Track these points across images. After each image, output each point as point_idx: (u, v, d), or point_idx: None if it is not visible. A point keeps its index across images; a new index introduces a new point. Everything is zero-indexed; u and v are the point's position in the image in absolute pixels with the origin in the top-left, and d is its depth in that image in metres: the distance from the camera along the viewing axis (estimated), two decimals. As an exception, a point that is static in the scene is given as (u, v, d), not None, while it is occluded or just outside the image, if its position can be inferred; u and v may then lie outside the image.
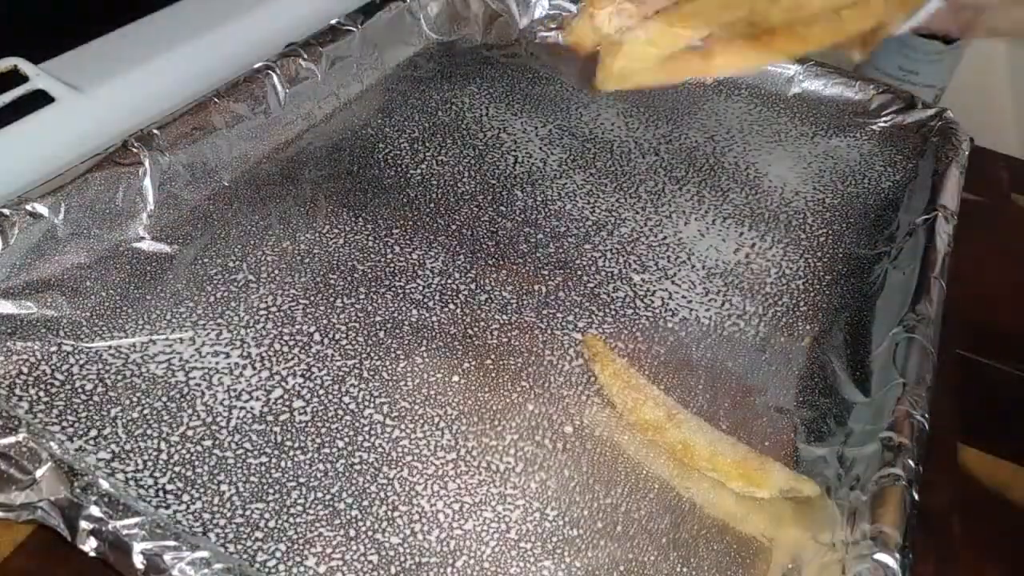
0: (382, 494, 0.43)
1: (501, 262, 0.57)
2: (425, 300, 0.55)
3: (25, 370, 0.47)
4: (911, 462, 0.42)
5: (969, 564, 0.47)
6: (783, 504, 0.45)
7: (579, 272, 0.58)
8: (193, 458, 0.44)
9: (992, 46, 0.95)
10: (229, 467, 0.44)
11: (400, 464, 0.45)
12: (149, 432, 0.45)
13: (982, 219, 0.70)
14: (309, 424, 0.46)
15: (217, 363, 0.49)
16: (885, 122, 0.74)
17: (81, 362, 0.47)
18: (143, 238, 0.56)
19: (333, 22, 0.71)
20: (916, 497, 0.41)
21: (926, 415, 0.45)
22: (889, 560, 0.38)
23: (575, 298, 0.56)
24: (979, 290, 0.64)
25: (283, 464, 0.44)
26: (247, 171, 0.62)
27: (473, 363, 0.51)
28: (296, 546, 0.41)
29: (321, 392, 0.48)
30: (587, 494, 0.45)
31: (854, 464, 0.45)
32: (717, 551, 0.43)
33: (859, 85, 0.76)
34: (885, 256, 0.60)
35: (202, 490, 0.42)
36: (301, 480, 0.44)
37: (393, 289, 0.55)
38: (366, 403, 0.48)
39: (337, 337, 0.51)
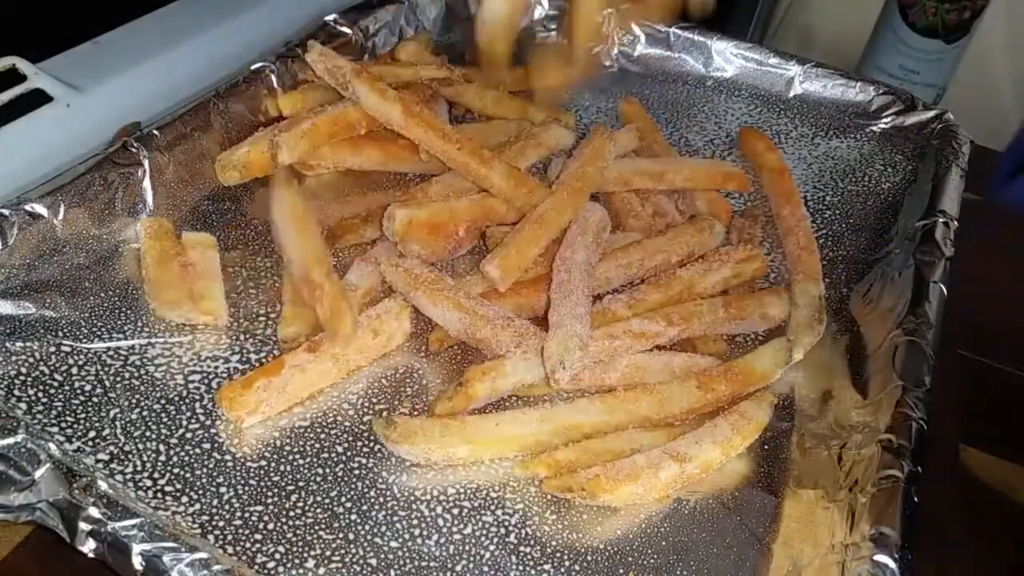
0: (381, 499, 0.43)
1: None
2: (425, 301, 0.54)
3: (24, 371, 0.46)
4: (910, 464, 0.42)
5: (971, 564, 0.47)
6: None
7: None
8: (192, 460, 0.44)
9: (993, 46, 0.94)
10: (228, 470, 0.44)
11: (399, 469, 0.45)
12: (148, 434, 0.45)
13: (983, 219, 0.70)
14: (308, 429, 0.46)
15: (216, 367, 0.49)
16: (885, 123, 0.74)
17: (80, 363, 0.47)
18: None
19: (330, 20, 0.71)
20: (916, 498, 0.41)
21: (924, 417, 0.45)
22: (888, 561, 0.38)
23: (575, 299, 0.56)
24: (980, 290, 0.64)
25: (282, 468, 0.44)
26: (247, 171, 0.62)
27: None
28: (295, 548, 0.41)
29: (320, 396, 0.48)
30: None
31: (853, 466, 0.45)
32: (716, 554, 0.43)
33: (859, 86, 0.75)
34: (884, 258, 0.60)
35: (201, 492, 0.42)
36: (300, 484, 0.43)
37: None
38: (365, 408, 0.48)
39: (336, 339, 0.51)
